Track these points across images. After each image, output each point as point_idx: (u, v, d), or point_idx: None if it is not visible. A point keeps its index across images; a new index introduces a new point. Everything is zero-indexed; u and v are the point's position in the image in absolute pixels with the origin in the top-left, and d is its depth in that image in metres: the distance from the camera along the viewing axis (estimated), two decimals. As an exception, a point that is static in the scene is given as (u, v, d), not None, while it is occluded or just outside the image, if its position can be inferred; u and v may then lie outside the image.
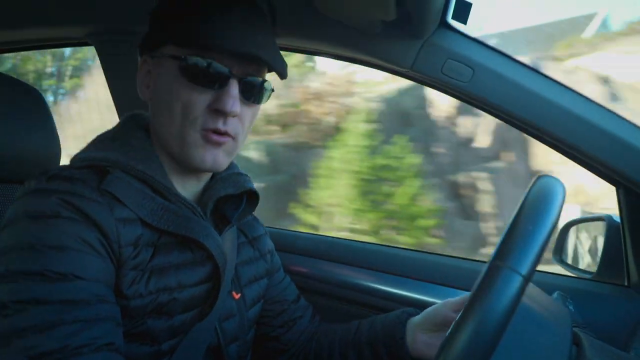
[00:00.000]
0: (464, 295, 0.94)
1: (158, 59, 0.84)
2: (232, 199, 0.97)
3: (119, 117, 1.52)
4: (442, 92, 1.11)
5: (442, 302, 0.97)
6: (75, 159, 0.83)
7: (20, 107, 1.09)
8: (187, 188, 0.91)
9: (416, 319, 1.01)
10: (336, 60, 1.23)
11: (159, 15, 0.85)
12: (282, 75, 0.86)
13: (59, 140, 1.17)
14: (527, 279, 0.47)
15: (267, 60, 0.80)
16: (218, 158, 0.84)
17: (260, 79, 0.85)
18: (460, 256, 1.33)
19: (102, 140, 0.86)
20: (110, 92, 1.50)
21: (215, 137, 0.81)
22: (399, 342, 0.99)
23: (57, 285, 0.66)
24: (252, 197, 1.01)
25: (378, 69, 1.17)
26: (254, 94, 0.85)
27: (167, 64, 0.81)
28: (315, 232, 1.51)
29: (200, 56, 0.78)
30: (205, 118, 0.80)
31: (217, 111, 0.80)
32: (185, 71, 0.79)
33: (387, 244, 1.44)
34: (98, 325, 0.67)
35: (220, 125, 0.81)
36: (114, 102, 1.52)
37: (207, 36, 0.77)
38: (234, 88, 0.80)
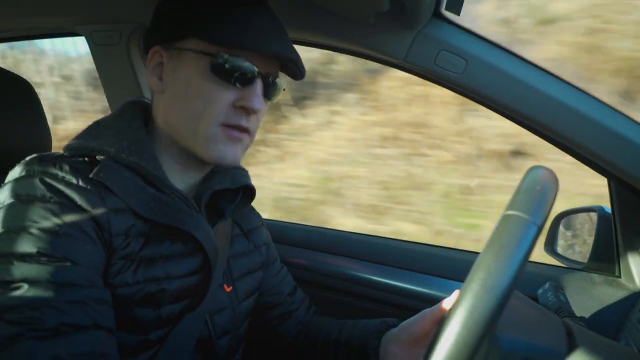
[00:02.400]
0: (442, 302, 0.91)
1: (177, 51, 0.82)
2: (228, 192, 0.97)
3: (110, 107, 1.51)
4: (435, 83, 1.11)
5: (420, 314, 0.93)
6: (67, 148, 0.82)
7: (10, 98, 1.08)
8: (185, 179, 0.91)
9: (393, 330, 0.99)
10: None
11: (179, 8, 0.83)
12: (302, 76, 0.89)
13: (49, 131, 1.16)
14: (540, 229, 0.49)
15: (298, 64, 0.85)
16: (237, 154, 0.86)
17: (278, 78, 0.88)
18: (458, 248, 1.34)
19: (97, 128, 0.85)
20: (102, 82, 1.49)
21: (236, 134, 0.83)
22: (371, 351, 0.98)
23: (49, 267, 0.66)
24: (249, 191, 1.01)
25: (371, 60, 1.16)
26: (272, 92, 0.88)
27: (190, 58, 0.81)
28: (310, 224, 1.52)
29: (233, 55, 0.79)
30: (228, 114, 0.82)
31: (242, 108, 0.82)
32: (216, 68, 0.79)
33: (384, 236, 1.44)
34: (91, 307, 0.68)
35: (243, 122, 0.83)
36: (105, 92, 1.50)
37: (246, 36, 0.79)
38: (259, 87, 0.83)
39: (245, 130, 0.84)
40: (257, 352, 1.16)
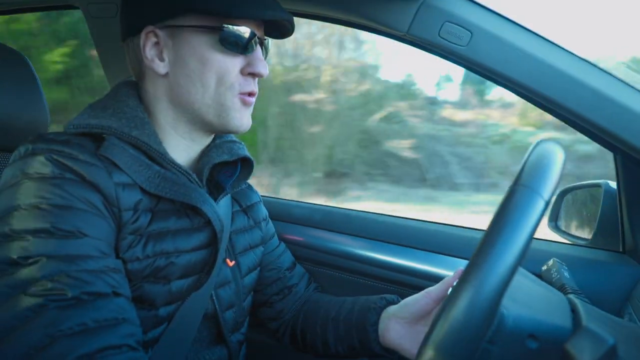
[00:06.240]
0: (446, 280, 0.92)
1: (174, 29, 0.81)
2: (226, 166, 0.97)
3: (109, 81, 1.49)
4: (439, 56, 1.08)
5: (423, 291, 0.95)
6: (69, 126, 0.81)
7: (5, 73, 1.06)
8: (184, 155, 0.90)
9: (394, 307, 1.00)
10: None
11: None
12: (292, 33, 0.91)
13: (46, 106, 1.14)
14: (547, 203, 0.49)
15: (293, 25, 0.88)
16: (250, 118, 0.89)
17: (267, 39, 0.90)
18: (457, 224, 1.33)
19: (95, 109, 0.84)
20: (99, 56, 1.46)
21: (249, 99, 0.86)
22: (370, 328, 0.99)
23: (64, 241, 0.67)
24: (247, 164, 1.00)
25: (374, 32, 1.14)
26: (266, 54, 0.91)
27: (192, 34, 0.81)
28: (310, 202, 1.53)
29: (238, 25, 0.80)
30: (241, 83, 0.84)
31: (251, 74, 0.85)
32: (225, 40, 0.80)
33: (383, 213, 1.43)
34: (109, 275, 0.70)
35: (253, 87, 0.86)
36: (103, 67, 1.48)
37: (249, 5, 0.79)
38: (260, 51, 0.86)
39: (254, 94, 0.88)
40: (261, 329, 1.16)
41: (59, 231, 0.67)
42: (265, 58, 0.90)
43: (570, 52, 0.98)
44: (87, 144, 0.77)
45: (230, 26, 0.79)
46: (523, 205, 0.49)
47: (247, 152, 1.00)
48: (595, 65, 0.97)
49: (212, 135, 0.95)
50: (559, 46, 0.98)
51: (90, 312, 0.64)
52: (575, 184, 1.30)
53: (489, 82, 1.03)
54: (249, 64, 0.84)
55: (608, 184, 1.17)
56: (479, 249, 0.49)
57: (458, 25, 0.99)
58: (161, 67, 0.83)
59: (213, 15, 0.79)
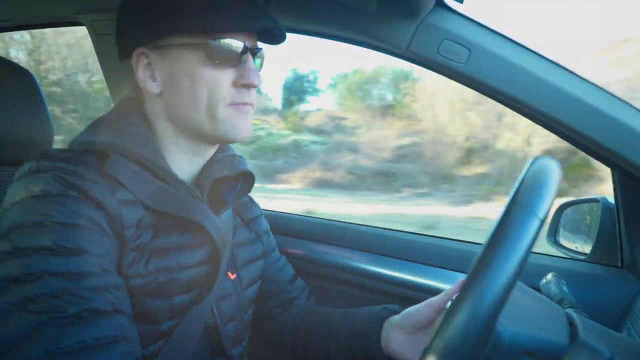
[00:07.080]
0: (447, 290, 0.93)
1: (164, 49, 0.82)
2: (228, 180, 0.98)
3: (112, 97, 1.50)
4: (438, 73, 1.09)
5: (424, 302, 0.95)
6: (73, 143, 0.82)
7: (11, 89, 1.08)
8: (186, 170, 0.91)
9: (396, 317, 1.00)
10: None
11: (153, 7, 0.81)
12: (284, 39, 0.90)
13: (51, 122, 1.16)
14: (542, 222, 0.50)
15: (282, 30, 0.86)
16: (249, 126, 0.88)
17: (262, 48, 0.89)
18: (457, 238, 1.34)
19: (98, 126, 0.85)
20: (103, 73, 1.48)
21: (243, 107, 0.85)
22: (372, 338, 0.99)
23: (66, 258, 0.67)
24: (248, 178, 1.01)
25: (373, 49, 1.15)
26: (261, 62, 0.91)
27: (180, 52, 0.81)
28: (311, 215, 1.54)
29: (223, 38, 0.80)
30: (232, 94, 0.83)
31: (244, 85, 0.84)
32: (212, 56, 0.80)
33: (383, 227, 1.44)
34: (110, 292, 0.70)
35: (246, 99, 0.85)
36: (107, 83, 1.50)
37: (233, 18, 0.79)
38: (252, 62, 0.84)
39: (250, 104, 0.86)
40: (262, 342, 1.16)
41: (61, 248, 0.67)
42: (261, 66, 0.90)
43: (567, 70, 0.99)
44: (90, 161, 0.78)
45: (215, 41, 0.79)
46: (518, 225, 0.49)
47: (248, 167, 1.00)
48: (592, 83, 0.98)
49: (215, 147, 0.95)
50: (556, 64, 1.00)
51: (90, 330, 0.65)
52: (573, 199, 1.30)
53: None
54: (241, 76, 0.83)
55: (606, 199, 1.17)
56: (474, 269, 0.50)
57: (457, 43, 1.00)
58: (154, 87, 0.84)
59: (200, 34, 0.79)
